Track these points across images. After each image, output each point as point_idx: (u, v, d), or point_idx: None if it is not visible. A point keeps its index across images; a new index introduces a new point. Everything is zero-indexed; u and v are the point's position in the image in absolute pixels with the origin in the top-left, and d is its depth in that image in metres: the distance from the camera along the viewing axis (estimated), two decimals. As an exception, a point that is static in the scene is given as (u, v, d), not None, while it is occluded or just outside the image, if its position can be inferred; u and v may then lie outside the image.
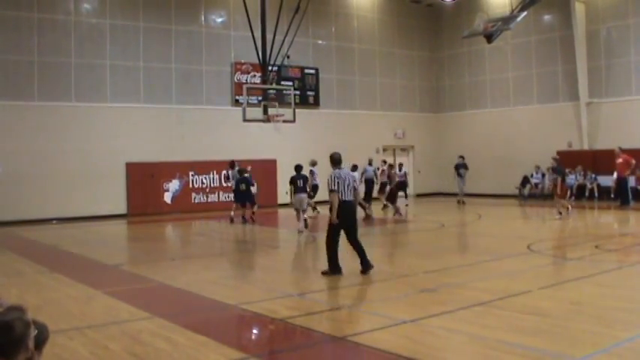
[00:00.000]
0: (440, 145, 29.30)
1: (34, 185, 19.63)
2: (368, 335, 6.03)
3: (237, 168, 18.74)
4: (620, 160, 20.07)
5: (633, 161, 20.09)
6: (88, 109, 20.83)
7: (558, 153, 24.76)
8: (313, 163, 19.10)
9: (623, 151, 20.27)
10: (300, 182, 15.30)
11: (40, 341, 2.58)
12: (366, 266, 9.25)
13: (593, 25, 23.93)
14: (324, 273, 9.32)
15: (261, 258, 12.70)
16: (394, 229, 17.36)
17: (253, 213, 18.12)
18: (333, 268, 9.31)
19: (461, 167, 23.66)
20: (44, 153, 19.91)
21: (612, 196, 21.30)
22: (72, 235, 16.76)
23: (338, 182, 9.14)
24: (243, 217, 18.21)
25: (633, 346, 5.58)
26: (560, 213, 17.20)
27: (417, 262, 10.95)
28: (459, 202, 23.23)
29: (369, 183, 22.68)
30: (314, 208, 19.31)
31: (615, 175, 20.51)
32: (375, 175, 22.53)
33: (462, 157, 23.97)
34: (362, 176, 23.00)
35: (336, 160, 9.44)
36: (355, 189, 9.40)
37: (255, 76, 23.55)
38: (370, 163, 22.73)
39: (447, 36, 28.91)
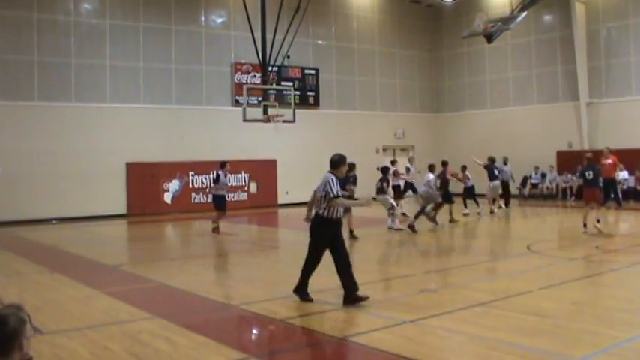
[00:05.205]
0: (440, 145, 29.28)
1: (34, 185, 19.62)
2: (368, 335, 6.03)
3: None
4: (609, 161, 19.76)
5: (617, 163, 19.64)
6: (88, 109, 20.83)
7: (558, 153, 24.88)
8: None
9: (612, 151, 20.08)
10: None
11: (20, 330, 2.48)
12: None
13: (593, 25, 23.92)
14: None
15: (261, 258, 12.69)
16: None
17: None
18: None
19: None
20: (44, 153, 19.88)
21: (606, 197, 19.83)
22: (72, 235, 16.76)
23: None
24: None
25: (633, 346, 5.58)
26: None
27: (417, 262, 10.95)
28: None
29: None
30: None
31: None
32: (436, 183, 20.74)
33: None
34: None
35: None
36: None
37: (255, 76, 23.53)
38: (432, 170, 18.01)
39: (447, 36, 28.90)
